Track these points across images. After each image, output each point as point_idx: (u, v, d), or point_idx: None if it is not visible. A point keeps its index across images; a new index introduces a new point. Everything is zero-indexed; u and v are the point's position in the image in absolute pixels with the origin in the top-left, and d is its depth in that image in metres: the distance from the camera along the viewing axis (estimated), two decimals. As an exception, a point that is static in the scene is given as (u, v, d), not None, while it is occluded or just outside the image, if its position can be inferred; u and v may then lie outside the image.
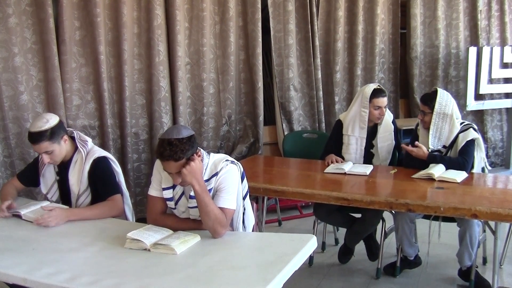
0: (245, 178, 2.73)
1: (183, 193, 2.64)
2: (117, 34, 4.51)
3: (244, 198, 2.73)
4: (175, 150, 2.37)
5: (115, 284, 1.97)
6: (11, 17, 4.03)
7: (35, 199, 3.79)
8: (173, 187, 2.63)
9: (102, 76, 4.43)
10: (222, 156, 2.66)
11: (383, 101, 3.91)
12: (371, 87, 3.96)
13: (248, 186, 2.78)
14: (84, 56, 4.42)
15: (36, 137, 2.79)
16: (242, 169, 2.70)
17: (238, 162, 2.69)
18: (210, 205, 2.44)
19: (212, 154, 2.66)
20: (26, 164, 3.99)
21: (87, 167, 2.93)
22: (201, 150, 2.55)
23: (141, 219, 2.70)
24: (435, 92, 3.72)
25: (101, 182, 2.93)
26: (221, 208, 2.49)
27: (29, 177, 3.09)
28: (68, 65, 4.34)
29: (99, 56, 4.39)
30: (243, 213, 2.73)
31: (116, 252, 2.32)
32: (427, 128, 3.74)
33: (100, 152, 3.01)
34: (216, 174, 2.56)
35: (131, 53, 4.62)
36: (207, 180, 2.56)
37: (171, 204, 2.67)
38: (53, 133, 2.82)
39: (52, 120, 2.86)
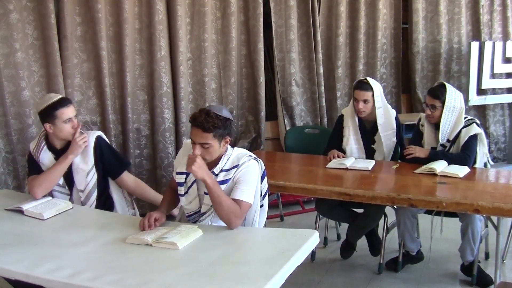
0: (266, 177, 2.76)
1: (195, 181, 2.65)
2: (118, 30, 4.51)
3: (263, 197, 2.76)
4: (208, 121, 2.46)
5: (117, 279, 1.97)
6: (12, 13, 4.02)
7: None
8: (188, 173, 2.65)
9: (104, 71, 4.43)
10: (246, 151, 2.71)
11: (362, 94, 3.82)
12: (359, 79, 3.98)
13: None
14: (85, 51, 4.42)
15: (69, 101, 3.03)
16: (263, 168, 2.72)
17: (261, 160, 2.71)
18: (222, 196, 2.49)
19: (236, 148, 2.72)
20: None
21: (92, 142, 3.05)
22: (229, 138, 2.61)
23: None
24: (443, 85, 3.68)
25: (112, 157, 3.13)
26: (237, 200, 2.52)
27: (37, 168, 3.07)
28: (70, 61, 4.33)
29: (101, 51, 4.39)
30: (260, 211, 2.75)
31: (118, 247, 2.32)
32: (435, 124, 3.72)
33: (97, 131, 3.19)
34: (237, 166, 2.59)
35: (133, 48, 4.62)
36: (227, 170, 2.60)
37: (181, 190, 2.69)
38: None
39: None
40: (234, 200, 2.52)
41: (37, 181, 2.94)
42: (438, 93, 3.65)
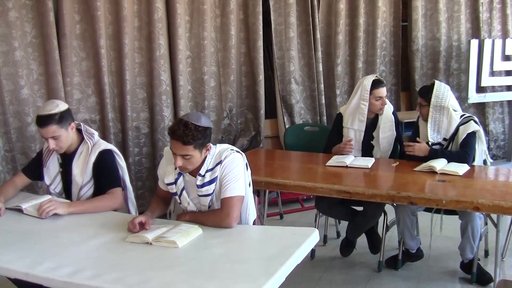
0: (249, 169, 2.75)
1: (183, 189, 2.65)
2: (117, 28, 4.50)
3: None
4: (187, 134, 2.41)
5: (116, 278, 1.97)
6: (11, 11, 4.02)
7: (37, 193, 3.79)
8: (175, 182, 2.65)
9: (103, 70, 4.42)
10: (226, 145, 2.69)
11: (383, 91, 3.93)
12: (370, 78, 3.96)
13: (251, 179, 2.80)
14: (84, 50, 4.41)
15: (45, 120, 2.79)
16: (246, 160, 2.71)
17: (242, 153, 2.71)
18: (205, 221, 2.53)
19: (218, 144, 2.69)
20: (27, 158, 4.01)
21: (93, 158, 2.93)
22: (211, 144, 2.58)
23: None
24: (432, 84, 3.72)
25: (104, 174, 2.94)
26: (229, 198, 2.52)
27: (34, 170, 3.07)
28: (69, 59, 4.33)
29: (100, 50, 4.38)
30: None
31: (118, 245, 2.32)
32: (426, 120, 3.74)
33: (106, 145, 3.02)
34: (220, 162, 2.58)
35: (132, 46, 4.61)
36: (212, 169, 2.58)
37: (177, 199, 2.70)
38: (62, 118, 2.83)
39: (61, 105, 2.88)
40: (226, 199, 2.53)
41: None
42: (424, 92, 3.76)
